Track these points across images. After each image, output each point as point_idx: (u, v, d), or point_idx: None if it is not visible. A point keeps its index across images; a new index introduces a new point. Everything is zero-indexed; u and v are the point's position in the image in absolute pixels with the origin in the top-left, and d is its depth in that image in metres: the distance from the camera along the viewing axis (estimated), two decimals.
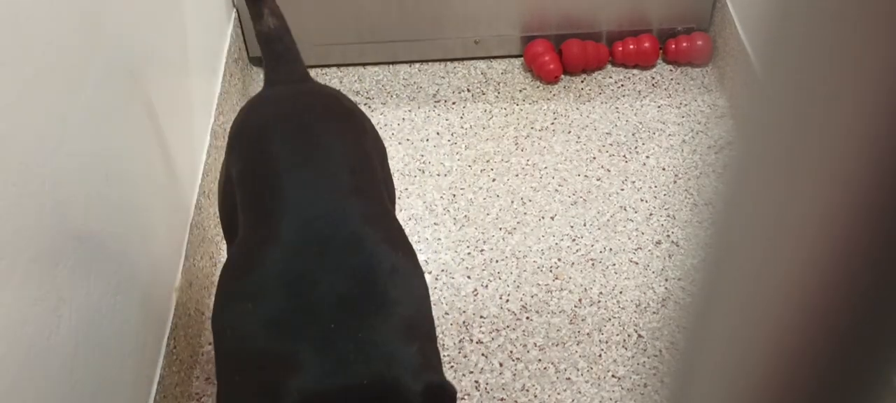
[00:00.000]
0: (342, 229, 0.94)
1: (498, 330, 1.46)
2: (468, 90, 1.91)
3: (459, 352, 1.44)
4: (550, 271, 1.55)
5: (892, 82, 0.14)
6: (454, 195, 1.69)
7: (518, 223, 1.63)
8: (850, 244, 0.15)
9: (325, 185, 0.99)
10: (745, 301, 0.17)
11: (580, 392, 1.38)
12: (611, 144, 1.77)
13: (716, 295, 0.18)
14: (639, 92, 1.88)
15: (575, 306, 1.49)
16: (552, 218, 1.64)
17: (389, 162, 1.78)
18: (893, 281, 0.15)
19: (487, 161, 1.75)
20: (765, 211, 0.16)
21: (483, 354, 1.43)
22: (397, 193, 1.71)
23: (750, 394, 0.17)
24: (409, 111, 1.87)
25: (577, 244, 1.59)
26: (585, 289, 1.52)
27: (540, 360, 1.42)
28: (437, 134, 1.82)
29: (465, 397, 1.39)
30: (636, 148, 1.76)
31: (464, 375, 1.41)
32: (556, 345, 1.44)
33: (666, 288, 1.52)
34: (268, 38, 1.22)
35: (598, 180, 1.70)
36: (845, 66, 0.15)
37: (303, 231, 0.94)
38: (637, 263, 1.55)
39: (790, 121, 0.15)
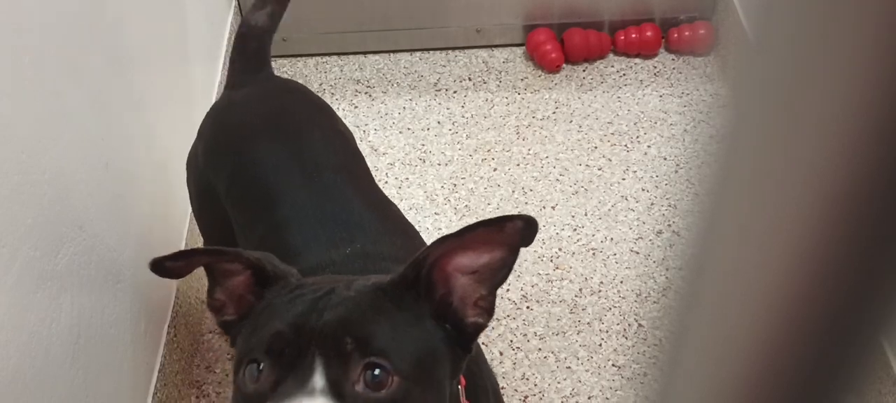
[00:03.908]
0: (347, 221, 0.96)
1: (498, 319, 1.47)
2: (469, 79, 1.90)
3: None
4: (551, 261, 1.55)
5: (886, 62, 0.14)
6: (455, 185, 1.69)
7: (519, 212, 1.63)
8: (835, 233, 0.15)
9: (319, 182, 1.00)
10: (730, 288, 0.17)
11: (580, 381, 1.38)
12: (612, 134, 1.77)
13: (701, 282, 0.18)
14: (641, 81, 1.88)
15: (575, 295, 1.49)
16: (553, 208, 1.63)
17: (390, 151, 1.79)
18: (879, 268, 0.15)
19: (488, 150, 1.75)
20: (751, 199, 0.16)
21: (483, 343, 1.44)
22: (398, 182, 1.71)
23: (733, 381, 0.18)
24: (410, 100, 1.86)
25: (577, 233, 1.59)
26: (586, 279, 1.52)
27: (540, 349, 1.42)
28: (439, 123, 1.81)
29: None
30: (638, 137, 1.76)
31: None
32: (557, 335, 1.44)
33: (667, 278, 1.52)
34: (250, 36, 1.18)
35: (599, 170, 1.70)
36: (838, 45, 0.15)
37: (311, 233, 0.95)
38: (638, 253, 1.55)
39: (779, 104, 0.15)
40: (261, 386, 0.65)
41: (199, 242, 1.48)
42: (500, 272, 0.71)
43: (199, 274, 1.48)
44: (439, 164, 1.73)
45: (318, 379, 0.63)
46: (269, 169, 1.02)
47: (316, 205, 0.97)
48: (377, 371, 0.63)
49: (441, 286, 0.71)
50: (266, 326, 0.67)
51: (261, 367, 0.65)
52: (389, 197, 1.68)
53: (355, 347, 0.64)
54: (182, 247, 1.43)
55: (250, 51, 1.18)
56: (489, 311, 0.72)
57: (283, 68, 1.93)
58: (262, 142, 1.06)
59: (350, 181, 1.02)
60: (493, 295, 0.72)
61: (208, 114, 1.18)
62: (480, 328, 0.72)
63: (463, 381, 0.79)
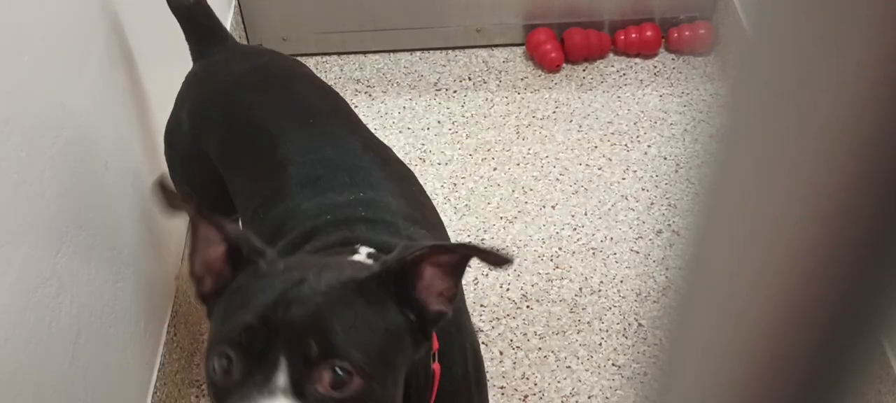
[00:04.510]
0: (348, 165, 0.97)
1: (498, 319, 1.47)
2: (469, 78, 1.90)
3: None
4: (551, 260, 1.55)
5: (887, 60, 0.14)
6: (455, 184, 1.69)
7: (519, 212, 1.63)
8: (835, 232, 0.15)
9: (316, 126, 1.02)
10: (730, 288, 0.17)
11: (580, 381, 1.38)
12: (612, 133, 1.77)
13: (701, 282, 0.18)
14: (641, 80, 1.88)
15: (575, 295, 1.49)
16: (553, 208, 1.63)
17: (391, 150, 1.79)
18: (880, 267, 0.15)
19: (488, 150, 1.75)
20: (750, 198, 0.16)
21: (483, 342, 1.44)
22: None
23: (733, 381, 0.18)
24: (410, 99, 1.86)
25: (577, 233, 1.59)
26: (586, 278, 1.52)
27: (540, 349, 1.42)
28: (439, 122, 1.81)
29: None
30: (638, 137, 1.76)
31: None
32: (557, 334, 1.44)
33: (666, 278, 1.52)
34: (191, 13, 1.17)
35: (599, 169, 1.70)
36: (838, 43, 0.14)
37: (313, 173, 0.96)
38: (638, 252, 1.55)
39: (779, 103, 0.15)
40: (228, 381, 0.66)
41: None
42: (464, 268, 0.73)
43: None
44: (439, 164, 1.73)
45: (282, 378, 0.64)
46: (265, 114, 1.04)
47: (316, 148, 0.98)
48: (340, 373, 0.65)
49: (413, 279, 0.72)
50: (235, 315, 0.68)
51: (229, 360, 0.66)
52: None
53: (319, 351, 0.65)
54: (182, 247, 1.43)
55: (206, 26, 1.18)
56: (451, 300, 0.74)
57: None
58: (252, 92, 1.07)
59: (346, 124, 1.04)
60: (458, 286, 0.74)
61: (185, 82, 1.17)
62: (442, 316, 0.73)
63: (436, 345, 0.81)
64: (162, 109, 1.39)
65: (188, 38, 1.19)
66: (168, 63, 1.48)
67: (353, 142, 1.00)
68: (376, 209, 0.91)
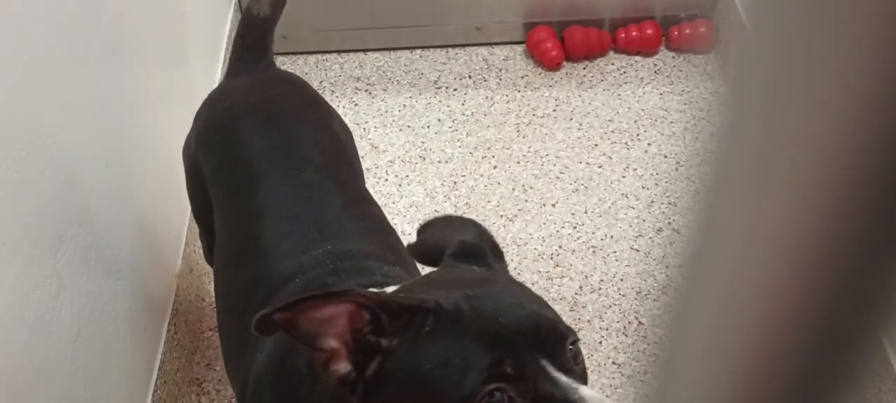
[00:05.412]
0: (321, 223, 0.95)
1: None
2: (470, 77, 1.90)
3: None
4: (551, 258, 1.55)
5: (887, 58, 0.14)
6: (455, 182, 1.69)
7: (519, 210, 1.63)
8: (835, 230, 0.15)
9: (300, 177, 1.00)
10: (730, 286, 0.17)
11: None
12: (613, 131, 1.77)
13: (701, 280, 0.18)
14: (641, 79, 1.88)
15: (576, 293, 1.49)
16: (553, 206, 1.63)
17: (390, 149, 1.79)
18: (880, 265, 0.15)
19: (489, 148, 1.75)
20: (751, 196, 0.16)
21: None
22: (398, 180, 1.71)
23: (733, 379, 0.18)
24: (411, 97, 1.86)
25: (578, 231, 1.59)
26: (586, 277, 1.52)
27: None
28: (439, 120, 1.81)
29: None
30: (638, 135, 1.76)
31: None
32: None
33: (667, 276, 1.52)
34: (251, 26, 1.16)
35: (599, 167, 1.70)
36: (838, 41, 0.14)
37: (284, 231, 0.95)
38: (638, 251, 1.55)
39: (778, 101, 0.15)
40: None
41: (198, 240, 1.48)
42: None
43: (201, 270, 1.48)
44: (439, 162, 1.73)
45: (560, 376, 0.66)
46: (253, 156, 1.02)
47: (293, 202, 0.97)
48: (572, 347, 0.69)
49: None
50: (461, 360, 0.66)
51: (502, 394, 0.65)
52: (389, 194, 1.69)
53: (561, 337, 0.68)
54: (182, 246, 1.43)
55: (249, 41, 1.17)
56: None
57: (283, 65, 1.92)
58: (250, 129, 1.06)
59: (331, 181, 1.01)
60: None
61: (205, 100, 1.18)
62: None
63: None
64: (162, 109, 1.39)
65: (232, 49, 1.19)
66: (168, 63, 1.48)
67: (334, 199, 0.98)
68: (343, 258, 0.89)
